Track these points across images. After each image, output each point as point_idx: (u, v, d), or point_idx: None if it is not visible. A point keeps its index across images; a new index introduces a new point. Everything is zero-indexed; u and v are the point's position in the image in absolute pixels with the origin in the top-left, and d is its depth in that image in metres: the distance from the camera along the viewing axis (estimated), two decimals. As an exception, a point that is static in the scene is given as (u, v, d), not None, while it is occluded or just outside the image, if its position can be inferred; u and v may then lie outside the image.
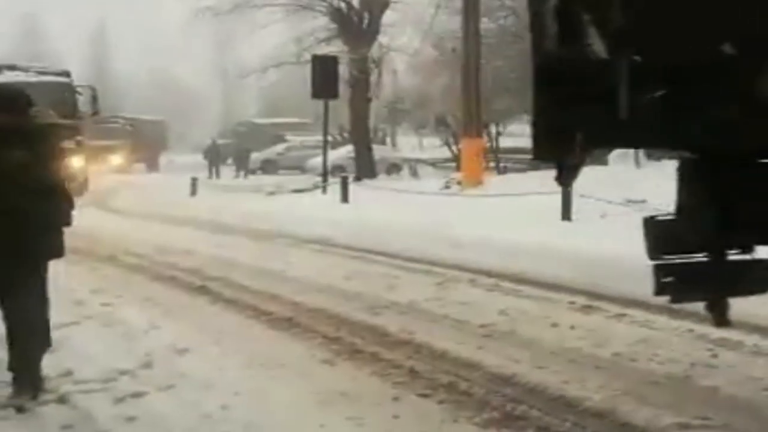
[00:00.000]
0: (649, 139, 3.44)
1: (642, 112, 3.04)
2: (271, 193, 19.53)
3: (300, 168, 31.83)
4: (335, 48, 22.25)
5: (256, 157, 36.87)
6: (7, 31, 55.29)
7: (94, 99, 20.13)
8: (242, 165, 33.98)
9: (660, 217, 3.93)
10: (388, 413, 4.27)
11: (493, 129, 27.43)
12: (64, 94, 19.21)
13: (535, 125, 3.40)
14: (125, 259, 9.57)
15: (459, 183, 16.51)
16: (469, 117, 17.03)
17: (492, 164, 24.79)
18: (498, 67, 22.89)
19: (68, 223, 4.51)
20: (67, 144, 18.40)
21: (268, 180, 25.27)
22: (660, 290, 3.81)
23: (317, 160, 27.15)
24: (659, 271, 3.78)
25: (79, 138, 19.01)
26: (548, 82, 3.23)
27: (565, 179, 3.65)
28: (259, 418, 4.20)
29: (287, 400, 4.50)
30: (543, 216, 10.70)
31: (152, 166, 39.62)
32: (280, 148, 38.18)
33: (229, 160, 34.91)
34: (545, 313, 6.37)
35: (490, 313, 6.36)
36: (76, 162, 18.11)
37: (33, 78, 19.77)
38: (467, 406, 4.37)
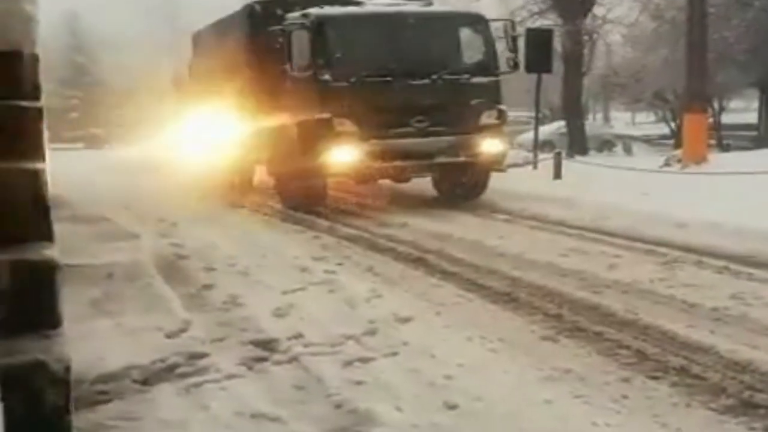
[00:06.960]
0: None
1: None
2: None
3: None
4: (548, 21, 21.81)
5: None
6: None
7: (514, 42, 12.24)
8: None
9: None
10: (617, 393, 4.14)
11: (715, 104, 26.10)
12: (478, 34, 12.01)
13: None
14: (342, 230, 9.82)
15: (680, 161, 15.74)
16: (692, 91, 16.17)
17: (714, 141, 23.50)
18: (723, 38, 21.61)
19: None
20: (486, 118, 11.53)
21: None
22: None
23: (525, 136, 26.89)
24: None
25: (501, 108, 11.97)
26: None
27: None
28: (483, 389, 4.19)
29: (510, 373, 4.47)
30: (775, 196, 10.01)
31: None
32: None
33: None
34: (782, 299, 5.94)
35: (720, 296, 6.02)
36: (496, 146, 11.88)
37: (422, 8, 12.50)
38: (701, 391, 4.17)
